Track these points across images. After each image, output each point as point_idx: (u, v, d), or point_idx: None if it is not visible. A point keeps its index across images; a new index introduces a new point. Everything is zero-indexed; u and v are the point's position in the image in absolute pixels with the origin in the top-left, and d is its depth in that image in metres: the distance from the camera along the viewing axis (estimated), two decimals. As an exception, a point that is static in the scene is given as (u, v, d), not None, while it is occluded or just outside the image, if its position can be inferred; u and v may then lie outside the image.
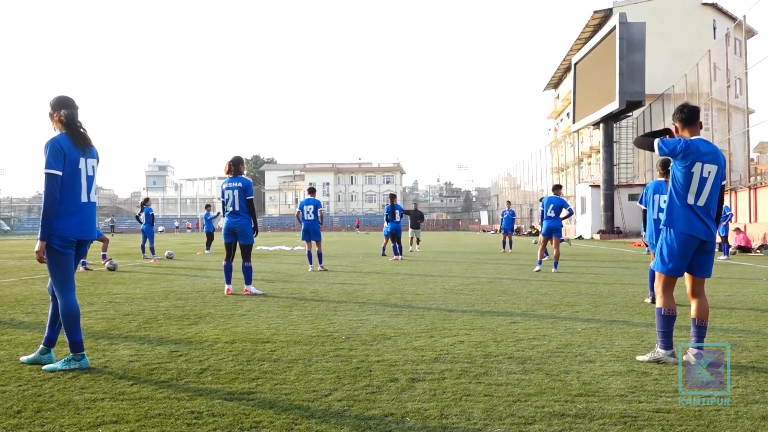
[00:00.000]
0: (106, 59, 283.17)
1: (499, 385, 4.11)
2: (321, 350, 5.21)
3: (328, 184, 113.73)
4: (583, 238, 42.37)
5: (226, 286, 9.36)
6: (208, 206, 24.00)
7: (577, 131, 52.25)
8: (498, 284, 11.03)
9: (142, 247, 19.09)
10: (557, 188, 14.42)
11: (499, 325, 6.51)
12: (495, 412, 3.51)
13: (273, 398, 3.80)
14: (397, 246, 18.73)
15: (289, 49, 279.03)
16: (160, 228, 70.81)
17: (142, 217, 18.82)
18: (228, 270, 9.41)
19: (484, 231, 79.79)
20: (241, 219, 9.26)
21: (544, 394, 3.89)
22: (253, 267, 9.65)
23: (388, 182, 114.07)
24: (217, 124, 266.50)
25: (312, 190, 14.76)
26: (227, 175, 9.63)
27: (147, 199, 19.86)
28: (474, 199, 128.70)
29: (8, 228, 76.35)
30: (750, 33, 37.95)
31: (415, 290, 9.95)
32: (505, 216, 25.39)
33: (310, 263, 14.11)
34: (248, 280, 9.39)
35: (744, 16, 28.18)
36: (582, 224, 45.30)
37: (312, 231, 13.76)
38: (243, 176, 9.61)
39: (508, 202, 28.17)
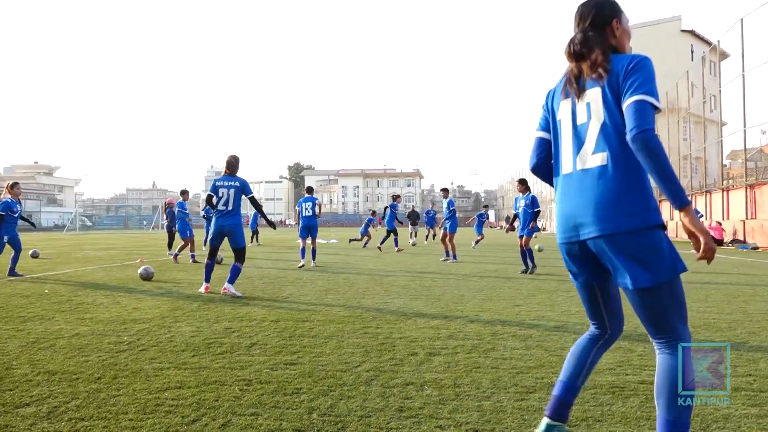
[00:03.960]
0: (171, 82, 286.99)
1: (505, 359, 4.07)
2: (352, 328, 5.22)
3: (357, 187, 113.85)
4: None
5: (204, 284, 7.85)
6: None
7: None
8: (503, 273, 10.95)
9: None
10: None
11: (504, 308, 6.46)
12: (501, 382, 3.48)
13: (311, 369, 3.80)
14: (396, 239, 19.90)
15: (325, 73, 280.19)
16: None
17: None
18: (209, 268, 7.92)
19: (491, 227, 79.56)
20: (233, 220, 7.75)
21: (543, 367, 3.85)
22: (242, 269, 8.33)
23: (409, 185, 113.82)
24: (264, 135, 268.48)
25: (310, 189, 13.39)
26: (224, 174, 8.01)
27: None
28: (483, 200, 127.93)
29: (90, 224, 77.70)
30: (723, 56, 37.11)
31: (432, 278, 9.91)
32: (430, 215, 26.54)
33: (302, 257, 12.37)
34: (231, 280, 7.54)
35: (718, 41, 27.56)
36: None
37: (311, 227, 12.55)
38: (238, 176, 7.99)
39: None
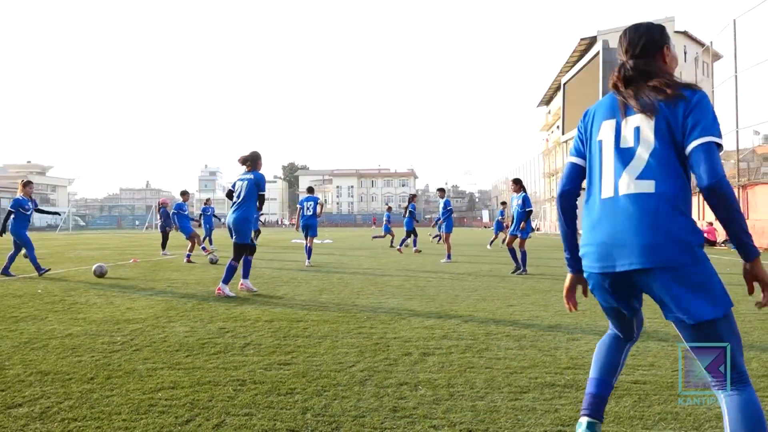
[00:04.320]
0: (165, 81, 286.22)
1: (498, 359, 4.08)
2: (346, 328, 5.21)
3: (352, 187, 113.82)
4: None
5: (240, 281, 7.88)
6: (207, 200, 20.03)
7: (566, 141, 51.60)
8: (497, 272, 10.96)
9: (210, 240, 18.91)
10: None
11: (498, 308, 6.47)
12: (494, 382, 3.49)
13: (305, 369, 3.80)
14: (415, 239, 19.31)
15: (320, 73, 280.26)
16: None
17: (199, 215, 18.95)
18: (247, 264, 7.90)
19: (485, 227, 79.63)
20: (239, 213, 7.59)
21: (537, 367, 3.86)
22: (237, 268, 7.68)
23: (403, 185, 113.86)
24: (259, 135, 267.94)
25: (311, 189, 13.63)
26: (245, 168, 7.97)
27: (208, 200, 19.93)
28: (477, 200, 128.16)
29: (84, 224, 77.33)
30: (716, 57, 37.31)
31: (427, 277, 9.92)
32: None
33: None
34: (226, 280, 7.40)
35: (711, 42, 27.73)
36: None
37: (310, 227, 12.75)
38: (258, 171, 7.92)
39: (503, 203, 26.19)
